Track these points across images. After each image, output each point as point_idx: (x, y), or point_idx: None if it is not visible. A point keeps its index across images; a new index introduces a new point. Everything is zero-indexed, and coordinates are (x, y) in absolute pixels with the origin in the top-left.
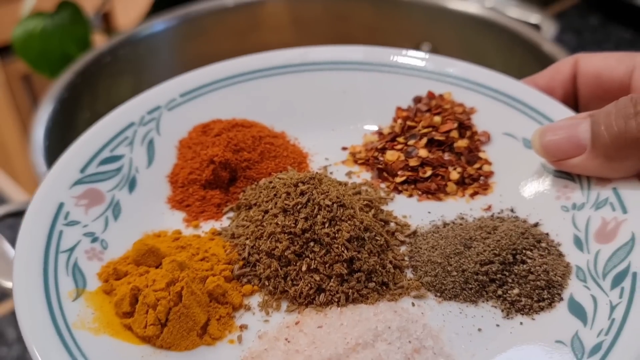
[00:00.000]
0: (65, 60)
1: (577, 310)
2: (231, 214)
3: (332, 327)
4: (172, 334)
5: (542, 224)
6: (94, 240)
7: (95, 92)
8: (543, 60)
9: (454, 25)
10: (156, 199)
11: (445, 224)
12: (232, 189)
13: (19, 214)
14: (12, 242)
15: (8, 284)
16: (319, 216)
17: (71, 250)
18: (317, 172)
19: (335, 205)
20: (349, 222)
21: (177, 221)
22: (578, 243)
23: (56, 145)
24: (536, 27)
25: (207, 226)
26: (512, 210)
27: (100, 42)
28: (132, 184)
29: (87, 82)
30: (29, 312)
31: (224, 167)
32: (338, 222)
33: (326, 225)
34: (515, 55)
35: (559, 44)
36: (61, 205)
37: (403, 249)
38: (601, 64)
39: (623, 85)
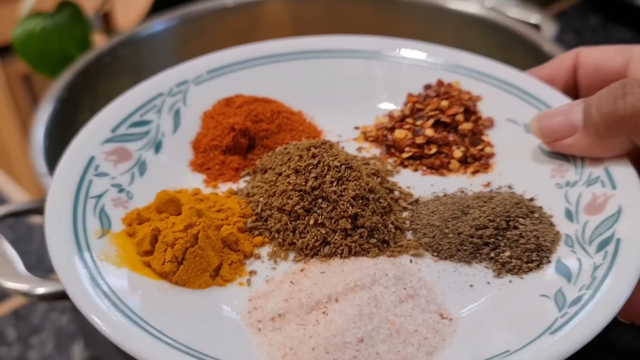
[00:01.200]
0: (65, 60)
1: (563, 270)
2: (248, 178)
3: (333, 272)
4: (187, 272)
5: (536, 199)
6: (121, 190)
7: (95, 92)
8: (543, 61)
9: (454, 25)
10: (179, 161)
11: (445, 195)
12: (250, 155)
13: (19, 214)
14: (12, 242)
15: (8, 284)
16: (327, 176)
17: (99, 197)
18: (328, 140)
19: (343, 166)
20: (355, 182)
21: (197, 182)
22: (569, 215)
23: (56, 145)
24: (536, 27)
25: (225, 187)
26: (509, 187)
27: (100, 42)
28: (158, 147)
29: (87, 82)
30: (57, 241)
31: (243, 135)
32: (345, 182)
33: (334, 184)
34: (515, 55)
35: (559, 44)
36: (92, 158)
37: (405, 214)
38: (600, 56)
39: (621, 76)
